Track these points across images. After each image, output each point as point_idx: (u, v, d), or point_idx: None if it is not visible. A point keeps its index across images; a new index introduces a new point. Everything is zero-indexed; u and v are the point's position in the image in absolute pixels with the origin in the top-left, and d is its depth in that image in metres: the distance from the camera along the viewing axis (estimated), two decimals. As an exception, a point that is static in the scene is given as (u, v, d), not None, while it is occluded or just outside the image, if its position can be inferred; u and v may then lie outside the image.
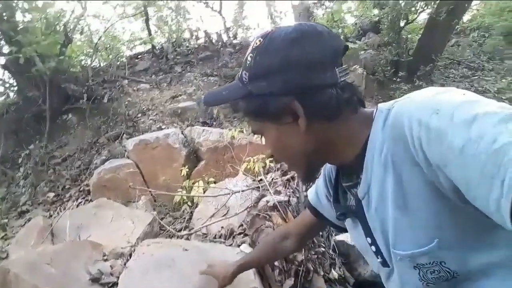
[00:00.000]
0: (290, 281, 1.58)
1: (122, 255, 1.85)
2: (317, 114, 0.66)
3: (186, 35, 6.75)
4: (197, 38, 6.25)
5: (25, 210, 3.75)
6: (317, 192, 1.00)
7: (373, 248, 0.74)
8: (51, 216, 3.25)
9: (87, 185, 3.90)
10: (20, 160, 4.55)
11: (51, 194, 3.99)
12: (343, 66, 0.68)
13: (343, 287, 1.64)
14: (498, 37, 7.34)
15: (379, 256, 0.73)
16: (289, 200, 2.10)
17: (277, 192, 2.26)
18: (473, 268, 0.60)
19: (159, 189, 3.52)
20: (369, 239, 0.74)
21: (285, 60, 0.64)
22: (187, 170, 3.53)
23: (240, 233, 1.83)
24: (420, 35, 5.91)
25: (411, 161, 0.57)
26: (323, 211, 0.99)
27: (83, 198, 3.74)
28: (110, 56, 6.09)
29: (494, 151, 0.44)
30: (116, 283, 1.61)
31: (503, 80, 5.89)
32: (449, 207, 0.56)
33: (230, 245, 1.80)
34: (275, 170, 3.05)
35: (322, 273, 1.64)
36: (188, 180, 3.41)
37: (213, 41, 6.15)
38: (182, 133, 3.73)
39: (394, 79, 5.36)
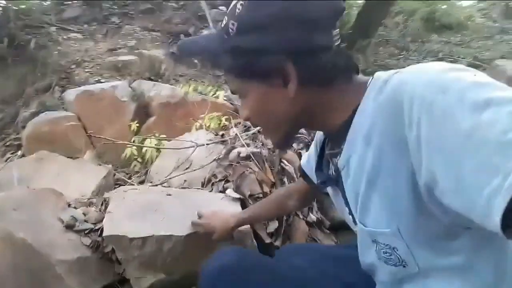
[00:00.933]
0: (274, 224, 1.64)
1: (91, 204, 1.73)
2: (310, 79, 0.62)
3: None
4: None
5: None
6: (309, 154, 0.98)
7: (350, 217, 0.73)
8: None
9: (16, 139, 3.49)
10: None
11: (-32, 148, 3.47)
12: (337, 29, 0.64)
13: (320, 229, 1.75)
14: (419, 22, 8.05)
15: (356, 225, 0.72)
16: (261, 152, 2.14)
17: (246, 145, 2.29)
18: (422, 266, 0.60)
19: (105, 145, 3.29)
20: (347, 209, 0.73)
21: (283, 14, 0.58)
22: (137, 125, 3.34)
23: (221, 180, 1.83)
24: (359, 10, 6.22)
25: (400, 140, 0.52)
26: (312, 175, 0.96)
27: (12, 153, 3.34)
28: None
29: (504, 142, 0.40)
30: (92, 230, 1.52)
31: (425, 60, 6.54)
32: (417, 203, 0.54)
33: (210, 191, 1.79)
34: (233, 126, 3.06)
35: (301, 217, 1.72)
36: (137, 136, 3.25)
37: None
38: (130, 86, 3.48)
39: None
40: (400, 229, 0.58)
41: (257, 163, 2.02)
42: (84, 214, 1.58)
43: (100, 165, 2.73)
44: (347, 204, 0.72)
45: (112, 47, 4.68)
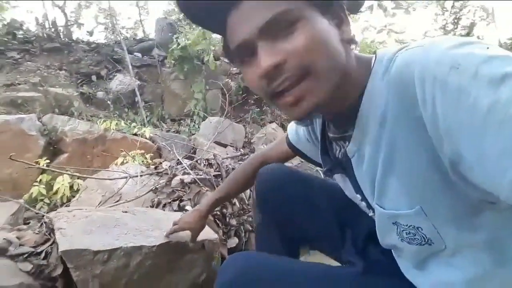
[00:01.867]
0: (233, 240, 1.62)
1: (21, 229, 1.45)
2: (349, 32, 0.59)
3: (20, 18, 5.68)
4: (42, 27, 5.34)
5: None
6: (297, 131, 0.98)
7: (364, 203, 0.71)
8: None
9: None
10: None
11: None
12: None
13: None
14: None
15: (370, 210, 0.71)
16: (205, 177, 2.12)
17: (187, 173, 2.24)
18: (448, 244, 0.58)
19: (2, 183, 2.81)
20: (359, 196, 0.71)
21: None
22: (46, 161, 2.97)
23: (174, 200, 1.74)
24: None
25: (415, 121, 0.50)
26: (306, 151, 0.99)
27: None
28: None
29: None
30: (32, 253, 1.27)
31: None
32: (441, 180, 0.51)
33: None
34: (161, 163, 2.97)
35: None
36: (45, 175, 2.89)
37: (61, 34, 5.39)
38: (40, 120, 3.13)
39: (247, 101, 5.98)
40: (424, 208, 0.56)
41: (205, 186, 1.99)
42: (18, 238, 1.32)
43: (8, 200, 2.30)
44: (358, 190, 0.70)
45: (9, 82, 4.19)
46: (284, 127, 6.36)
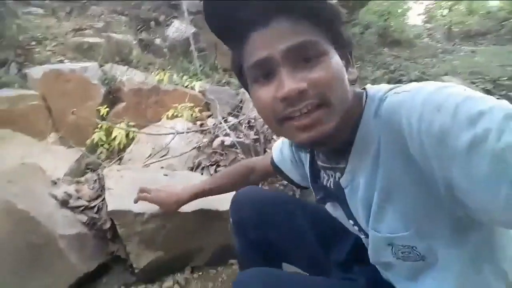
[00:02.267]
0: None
1: (79, 182, 1.69)
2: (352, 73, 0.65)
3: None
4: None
5: None
6: (282, 151, 1.03)
7: (356, 228, 0.76)
8: None
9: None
10: None
11: None
12: None
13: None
14: (374, 35, 8.58)
15: (361, 233, 0.76)
16: (244, 141, 2.21)
17: (227, 135, 2.35)
18: (441, 258, 0.63)
19: (69, 128, 3.14)
20: (351, 221, 0.75)
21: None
22: (106, 110, 3.24)
23: (212, 164, 1.87)
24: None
25: (406, 156, 0.55)
26: (287, 171, 1.04)
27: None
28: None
29: (500, 150, 0.44)
30: (87, 207, 1.49)
31: (378, 72, 7.02)
32: (435, 204, 0.56)
33: (202, 174, 1.83)
34: (208, 117, 3.09)
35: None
36: (105, 122, 3.15)
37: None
38: (101, 69, 3.36)
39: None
40: (419, 230, 0.60)
41: (242, 151, 2.09)
42: (77, 192, 1.55)
43: (71, 147, 2.60)
44: (350, 217, 0.74)
45: (77, 27, 4.46)
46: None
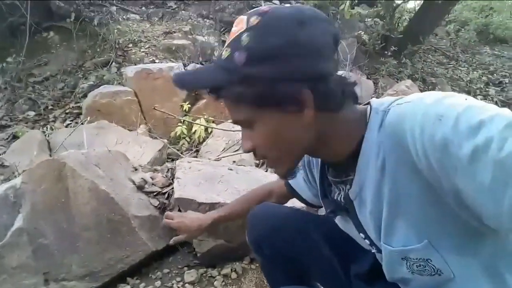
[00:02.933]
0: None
1: (156, 170, 1.86)
2: (323, 104, 0.61)
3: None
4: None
5: (5, 125, 3.49)
6: (297, 177, 1.01)
7: (367, 241, 0.75)
8: (44, 132, 3.07)
9: (75, 107, 3.72)
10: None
11: (31, 113, 3.74)
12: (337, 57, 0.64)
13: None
14: (472, 33, 7.77)
15: (373, 247, 0.75)
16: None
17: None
18: (456, 273, 0.62)
19: (156, 121, 3.46)
20: (362, 235, 0.75)
21: (293, 42, 0.57)
22: (188, 106, 3.50)
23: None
24: (412, 15, 6.11)
25: (411, 167, 0.56)
26: (300, 192, 1.02)
27: (71, 120, 3.57)
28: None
29: (502, 159, 0.44)
30: (160, 193, 1.65)
31: (475, 72, 6.36)
32: (445, 212, 0.56)
33: (266, 171, 1.88)
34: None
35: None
36: (187, 116, 3.40)
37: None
38: (185, 68, 3.63)
39: (383, 53, 5.55)
40: (432, 241, 0.60)
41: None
42: (152, 178, 1.72)
43: (156, 138, 2.87)
44: (361, 230, 0.74)
45: (167, 30, 4.87)
46: (425, 82, 5.76)
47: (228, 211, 1.28)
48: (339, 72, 0.66)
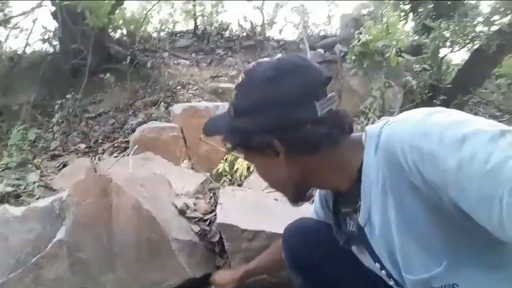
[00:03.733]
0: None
1: (198, 197, 1.81)
2: (297, 149, 0.67)
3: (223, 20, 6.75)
4: (242, 28, 6.27)
5: (57, 154, 3.68)
6: (316, 213, 1.00)
7: (384, 272, 0.72)
8: (92, 162, 3.18)
9: (122, 142, 3.87)
10: (52, 109, 4.48)
11: (82, 145, 3.93)
12: (327, 96, 0.67)
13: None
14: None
15: (391, 279, 0.72)
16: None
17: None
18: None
19: (200, 158, 3.48)
20: (377, 264, 0.73)
21: (261, 100, 0.66)
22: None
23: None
24: (460, 66, 5.99)
25: (410, 185, 0.56)
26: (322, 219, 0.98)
27: (119, 153, 3.69)
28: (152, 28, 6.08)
29: (488, 171, 0.44)
30: (201, 219, 1.58)
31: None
32: (455, 227, 0.55)
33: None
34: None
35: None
36: (230, 154, 3.39)
37: (256, 33, 6.18)
38: (230, 108, 3.71)
39: (431, 102, 5.40)
40: (451, 261, 0.58)
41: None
42: (194, 205, 1.66)
43: (199, 172, 2.87)
44: (376, 259, 0.72)
45: (214, 74, 5.10)
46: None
47: (254, 265, 1.22)
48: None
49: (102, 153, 3.71)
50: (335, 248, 0.90)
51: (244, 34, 6.00)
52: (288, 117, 0.65)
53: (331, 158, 0.69)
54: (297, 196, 0.79)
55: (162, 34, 6.32)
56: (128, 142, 3.75)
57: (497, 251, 0.56)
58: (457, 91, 5.54)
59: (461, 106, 5.84)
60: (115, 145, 3.86)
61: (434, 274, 0.59)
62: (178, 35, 6.73)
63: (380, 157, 0.61)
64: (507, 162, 0.43)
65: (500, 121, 4.78)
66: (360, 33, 4.61)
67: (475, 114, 6.29)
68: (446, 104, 5.42)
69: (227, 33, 5.97)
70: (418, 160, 0.52)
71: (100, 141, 4.00)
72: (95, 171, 2.74)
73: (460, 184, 0.47)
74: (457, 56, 7.04)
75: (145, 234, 1.34)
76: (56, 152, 3.72)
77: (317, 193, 0.99)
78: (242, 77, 0.70)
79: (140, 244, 1.32)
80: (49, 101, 4.71)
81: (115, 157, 3.56)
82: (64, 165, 3.26)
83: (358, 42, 4.50)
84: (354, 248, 0.80)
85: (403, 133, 0.56)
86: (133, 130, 3.87)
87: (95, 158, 3.49)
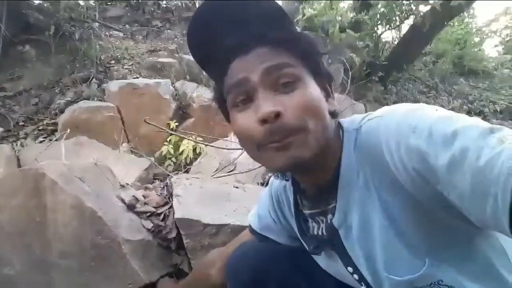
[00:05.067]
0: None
1: (147, 188, 1.62)
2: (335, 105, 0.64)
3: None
4: (181, -3, 5.83)
5: (-33, 141, 3.14)
6: (259, 216, 0.91)
7: (356, 276, 0.68)
8: (13, 149, 2.75)
9: (49, 124, 3.42)
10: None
11: (0, 129, 3.40)
12: None
13: None
14: (449, 64, 8.08)
15: (362, 283, 0.68)
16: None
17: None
18: (465, 281, 0.57)
19: (140, 140, 3.21)
20: (350, 268, 0.68)
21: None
22: (176, 124, 3.28)
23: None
24: (396, 43, 6.24)
25: (393, 183, 0.54)
26: (274, 236, 0.89)
27: (45, 137, 3.26)
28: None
29: (480, 168, 0.43)
30: (154, 213, 1.40)
31: (455, 102, 6.52)
32: (435, 223, 0.54)
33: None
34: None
35: None
36: (174, 136, 3.17)
37: (197, 3, 5.79)
38: (173, 85, 3.44)
39: (369, 79, 5.58)
40: (431, 257, 0.56)
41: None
42: (144, 197, 1.47)
43: (141, 156, 2.62)
44: (350, 263, 0.67)
45: (152, 48, 4.69)
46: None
47: (188, 279, 1.09)
48: None
49: (25, 138, 3.24)
50: (290, 274, 0.84)
51: (183, 5, 5.58)
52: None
53: (331, 137, 0.62)
54: (318, 154, 0.57)
55: (90, 1, 5.65)
56: (55, 124, 3.33)
57: (469, 245, 0.56)
58: (392, 68, 5.79)
59: (395, 82, 6.15)
60: (40, 128, 3.39)
61: (422, 274, 0.57)
62: (110, 3, 6.07)
63: (361, 153, 0.59)
64: (498, 157, 0.42)
65: (428, 97, 5.10)
66: (304, 8, 4.55)
67: (406, 90, 6.68)
68: (383, 81, 5.65)
69: (164, 3, 5.50)
70: (406, 157, 0.50)
71: (21, 123, 3.49)
72: (18, 160, 2.38)
73: (451, 180, 0.46)
74: (390, 35, 7.33)
75: (89, 238, 1.13)
76: (-34, 138, 3.18)
77: (263, 194, 0.90)
78: None
79: (84, 251, 1.12)
80: (-47, 78, 3.99)
81: (41, 141, 3.15)
82: (-23, 153, 2.79)
83: (303, 17, 4.43)
84: (322, 255, 0.73)
85: (388, 129, 0.54)
86: (62, 111, 3.44)
87: (16, 144, 3.04)
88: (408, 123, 0.51)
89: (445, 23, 5.55)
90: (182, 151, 2.96)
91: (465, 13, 8.19)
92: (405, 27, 6.32)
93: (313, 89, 0.59)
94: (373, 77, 5.39)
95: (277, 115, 0.55)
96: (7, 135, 3.35)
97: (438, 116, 0.50)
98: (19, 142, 3.09)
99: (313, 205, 0.71)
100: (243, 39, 0.59)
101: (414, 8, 5.11)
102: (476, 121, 0.49)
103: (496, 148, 0.43)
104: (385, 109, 0.59)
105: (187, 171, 2.61)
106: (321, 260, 0.76)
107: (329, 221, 0.67)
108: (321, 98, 0.60)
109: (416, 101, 6.20)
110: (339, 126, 0.65)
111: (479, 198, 0.44)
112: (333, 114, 0.62)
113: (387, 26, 5.71)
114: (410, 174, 0.51)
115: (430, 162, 0.48)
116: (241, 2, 0.61)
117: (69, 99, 3.73)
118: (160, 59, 4.42)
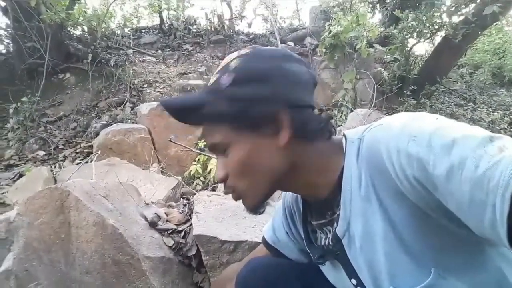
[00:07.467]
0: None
1: (170, 206, 1.65)
2: (301, 130, 0.62)
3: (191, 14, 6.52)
4: (210, 22, 6.05)
5: (13, 164, 3.36)
6: (274, 228, 0.90)
7: None
8: (51, 171, 2.91)
9: (85, 147, 3.61)
10: (6, 114, 4.12)
11: (41, 153, 3.63)
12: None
13: None
14: (487, 75, 7.73)
15: None
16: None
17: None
18: None
19: (170, 160, 3.30)
20: (353, 281, 0.67)
21: (277, 69, 0.62)
22: (204, 143, 3.34)
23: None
24: (426, 57, 6.08)
25: (395, 191, 0.54)
26: (283, 249, 0.88)
27: (81, 159, 3.43)
28: (115, 24, 5.75)
29: (479, 177, 0.43)
30: (175, 231, 1.42)
31: (495, 113, 6.19)
32: (442, 233, 0.54)
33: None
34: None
35: None
36: (202, 155, 3.23)
37: (225, 27, 5.99)
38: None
39: (401, 93, 5.44)
40: (438, 268, 0.55)
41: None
42: (166, 214, 1.50)
43: (170, 176, 2.69)
44: (352, 275, 0.66)
45: (182, 71, 4.88)
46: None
47: None
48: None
49: (63, 160, 3.43)
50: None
51: (212, 28, 5.79)
52: (300, 95, 0.63)
53: (320, 154, 0.65)
54: (264, 199, 0.67)
55: (125, 30, 5.99)
56: (91, 147, 3.50)
57: (480, 254, 0.56)
58: (424, 81, 5.62)
59: (429, 96, 5.95)
60: (77, 150, 3.59)
61: (426, 284, 0.56)
62: (143, 31, 6.43)
63: (363, 163, 0.59)
64: (497, 167, 0.42)
65: (465, 110, 4.87)
66: (331, 24, 4.55)
67: (441, 103, 6.44)
68: (415, 94, 5.49)
69: (194, 28, 5.74)
70: (406, 165, 0.50)
71: (60, 147, 3.71)
72: (55, 182, 2.51)
73: (450, 189, 0.46)
74: (422, 48, 7.16)
75: (110, 255, 1.16)
76: (12, 162, 3.41)
77: (278, 207, 0.89)
78: (244, 51, 0.65)
79: (106, 267, 1.15)
80: (2, 105, 4.32)
81: (78, 164, 3.31)
82: (21, 176, 2.97)
83: (329, 34, 4.43)
84: (327, 266, 0.73)
85: (389, 138, 0.54)
86: (97, 134, 3.62)
87: (55, 166, 3.23)
88: (408, 131, 0.52)
89: (479, 33, 5.34)
90: (210, 170, 3.00)
91: (503, 21, 7.86)
92: (438, 39, 6.20)
93: (243, 147, 0.62)
94: (405, 91, 5.24)
95: (224, 179, 0.66)
96: (48, 158, 3.57)
97: (438, 125, 0.50)
98: (57, 164, 3.27)
99: (319, 216, 0.72)
100: (192, 119, 0.66)
101: (444, 20, 4.97)
102: (477, 129, 0.49)
103: (495, 157, 0.43)
104: (386, 118, 0.60)
105: (213, 189, 2.63)
106: (329, 273, 0.75)
107: (334, 230, 0.67)
108: (253, 152, 0.62)
109: (452, 114, 5.96)
110: (341, 138, 0.66)
111: (477, 208, 0.44)
112: (306, 136, 0.63)
113: (418, 39, 5.58)
114: (411, 182, 0.51)
115: (429, 170, 0.48)
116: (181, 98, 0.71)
117: (105, 122, 3.93)
118: (190, 81, 4.57)
